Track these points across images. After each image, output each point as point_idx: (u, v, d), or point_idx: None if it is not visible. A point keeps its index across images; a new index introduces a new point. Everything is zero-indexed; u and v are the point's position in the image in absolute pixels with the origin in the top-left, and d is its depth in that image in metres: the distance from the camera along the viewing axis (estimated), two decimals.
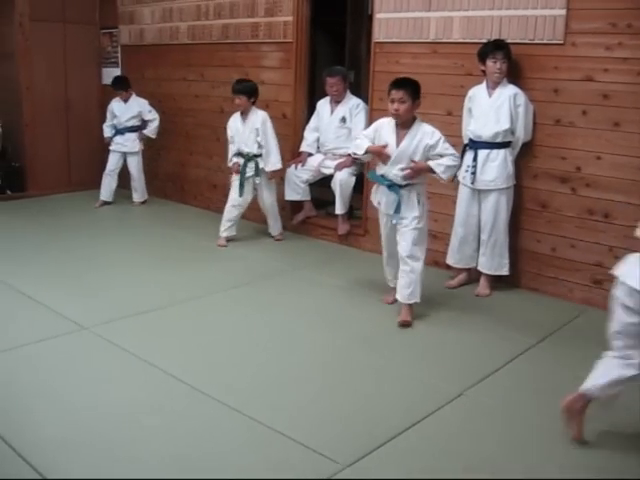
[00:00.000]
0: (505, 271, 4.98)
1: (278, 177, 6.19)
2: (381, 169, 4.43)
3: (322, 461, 2.86)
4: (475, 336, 4.26)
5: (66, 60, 8.18)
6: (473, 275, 5.11)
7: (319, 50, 7.90)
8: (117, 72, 8.13)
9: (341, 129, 6.27)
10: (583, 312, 4.68)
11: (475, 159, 4.83)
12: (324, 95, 6.42)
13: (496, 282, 5.05)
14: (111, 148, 7.56)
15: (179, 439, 3.00)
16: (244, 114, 6.06)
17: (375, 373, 3.73)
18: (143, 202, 7.69)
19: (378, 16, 5.69)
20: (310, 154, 6.42)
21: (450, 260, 5.16)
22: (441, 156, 4.27)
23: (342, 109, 6.26)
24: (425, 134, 4.28)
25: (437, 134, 4.28)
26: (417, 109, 4.35)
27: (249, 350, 3.98)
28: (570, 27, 4.64)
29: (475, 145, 4.85)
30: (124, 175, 7.59)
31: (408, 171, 4.29)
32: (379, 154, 4.38)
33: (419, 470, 2.85)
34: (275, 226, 6.31)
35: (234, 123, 6.14)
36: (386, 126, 4.39)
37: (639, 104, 4.41)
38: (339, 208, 6.13)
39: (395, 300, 4.67)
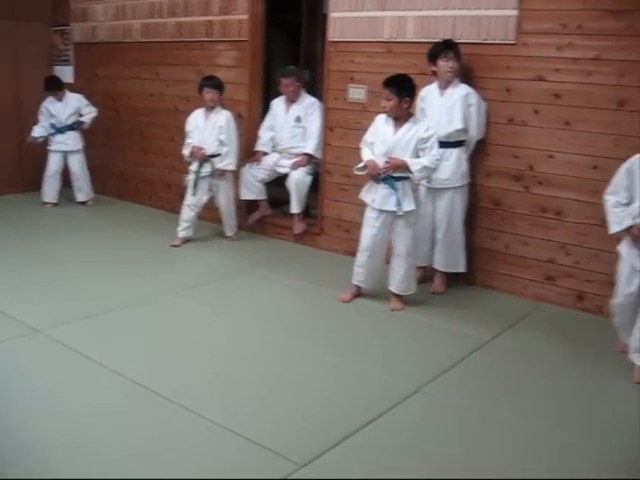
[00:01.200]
0: (461, 268, 5.03)
1: (228, 176, 6.13)
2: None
3: (279, 460, 2.85)
4: (431, 333, 4.30)
5: (16, 58, 8.00)
6: (428, 273, 5.14)
7: (274, 49, 7.88)
8: (69, 70, 8.02)
9: (296, 128, 6.26)
10: (536, 308, 4.75)
11: None
12: (279, 94, 6.40)
13: (451, 280, 5.09)
14: (51, 148, 7.37)
15: (135, 442, 2.96)
16: (208, 111, 6.01)
17: (331, 371, 3.73)
18: (88, 201, 7.55)
19: (333, 15, 5.70)
20: (265, 153, 6.40)
21: None
22: (424, 154, 4.40)
23: (297, 108, 6.26)
24: (420, 128, 4.44)
25: (431, 131, 4.44)
26: (408, 106, 4.44)
27: (205, 350, 3.95)
28: (522, 27, 4.71)
29: None
30: (62, 174, 7.46)
31: (387, 164, 4.40)
32: (373, 169, 4.48)
33: (377, 468, 2.85)
34: (229, 226, 6.27)
35: (195, 120, 6.08)
36: (382, 120, 4.55)
37: (589, 103, 4.50)
38: (295, 207, 6.12)
39: (352, 298, 4.73)
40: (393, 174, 4.45)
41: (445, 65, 4.76)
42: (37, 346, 3.91)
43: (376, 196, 4.53)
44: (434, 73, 4.86)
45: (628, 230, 3.64)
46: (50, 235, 6.37)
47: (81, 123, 7.38)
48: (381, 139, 4.51)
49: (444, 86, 4.84)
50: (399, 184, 4.46)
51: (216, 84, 5.95)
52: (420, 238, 4.94)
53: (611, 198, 3.71)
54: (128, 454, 2.87)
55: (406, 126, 4.45)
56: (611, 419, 3.31)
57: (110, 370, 3.60)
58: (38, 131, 7.35)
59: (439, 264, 5.03)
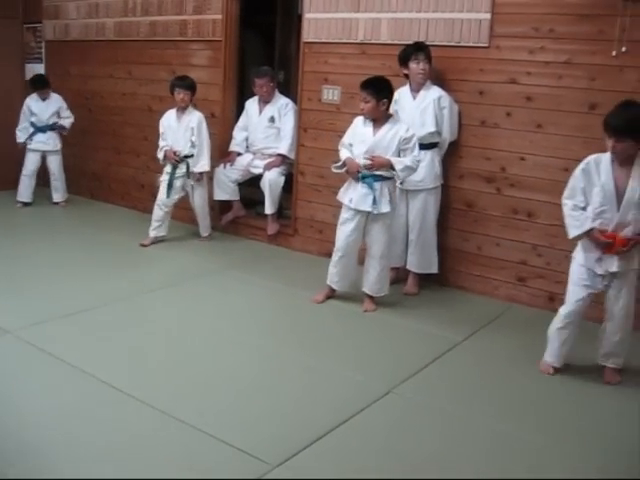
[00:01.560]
0: (434, 270, 5.06)
1: (205, 178, 6.12)
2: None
3: (252, 461, 2.84)
4: (403, 334, 4.32)
5: None
6: (401, 274, 5.16)
7: (249, 49, 7.87)
8: (41, 68, 7.95)
9: (270, 129, 6.26)
10: (508, 309, 4.80)
11: None
12: (253, 94, 6.39)
13: (424, 281, 5.12)
14: (30, 147, 7.30)
15: (108, 445, 2.93)
16: (180, 112, 5.99)
17: (304, 372, 3.73)
18: (64, 201, 7.50)
19: (307, 16, 5.70)
20: (239, 154, 6.39)
21: None
22: (405, 154, 4.45)
23: (271, 109, 6.25)
24: (400, 128, 4.47)
25: (412, 131, 4.48)
26: (385, 107, 4.47)
27: (177, 351, 3.93)
28: (495, 31, 4.75)
29: None
30: (39, 174, 7.39)
31: (369, 162, 4.43)
32: (352, 167, 4.51)
33: (350, 468, 2.86)
34: (204, 226, 6.25)
35: (167, 121, 6.05)
36: (360, 122, 4.57)
37: (560, 106, 4.55)
38: (268, 208, 6.11)
39: (325, 299, 4.75)
40: (374, 173, 4.46)
41: (416, 67, 4.79)
42: (7, 347, 3.87)
43: (353, 196, 4.54)
44: (406, 76, 4.88)
45: (588, 233, 3.57)
46: (21, 235, 6.31)
47: (62, 127, 7.32)
48: (360, 140, 4.52)
49: (416, 89, 4.87)
50: (377, 184, 4.47)
51: (187, 84, 5.92)
52: (394, 239, 4.95)
53: (568, 202, 3.64)
54: (98, 455, 2.84)
55: (386, 127, 4.48)
56: (583, 418, 3.35)
57: (80, 371, 3.57)
58: (22, 136, 7.30)
59: (412, 265, 5.05)
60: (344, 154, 4.58)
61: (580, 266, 3.66)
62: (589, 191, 3.56)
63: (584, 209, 3.59)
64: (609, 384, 3.70)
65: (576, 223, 3.60)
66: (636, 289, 3.68)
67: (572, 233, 3.63)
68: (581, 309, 3.66)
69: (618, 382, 3.72)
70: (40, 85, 7.26)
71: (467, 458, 2.98)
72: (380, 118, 4.48)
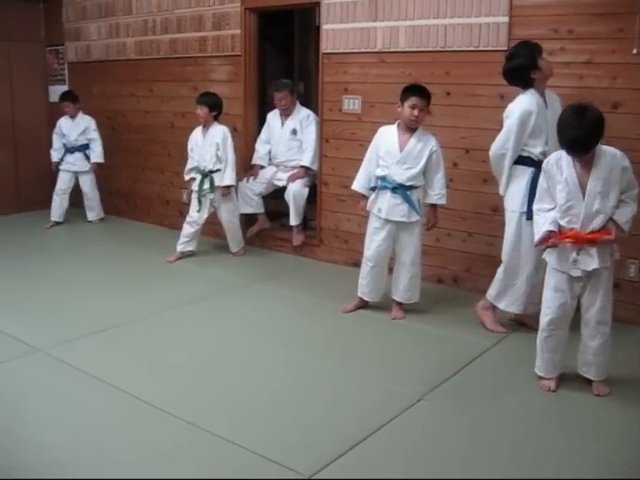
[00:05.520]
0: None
1: (233, 193, 6.15)
2: (384, 170, 4.50)
3: (285, 472, 2.84)
4: (433, 341, 4.31)
5: (11, 78, 8.06)
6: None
7: (268, 62, 7.91)
8: (64, 89, 8.03)
9: (292, 141, 6.28)
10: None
11: None
12: (274, 107, 6.42)
13: (454, 286, 5.08)
14: (61, 167, 7.42)
15: (142, 460, 2.95)
16: (205, 127, 6.03)
17: (334, 381, 3.73)
18: (101, 220, 7.61)
19: (325, 27, 5.73)
20: (262, 167, 6.42)
21: None
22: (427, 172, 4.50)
23: (292, 121, 6.28)
24: (430, 139, 4.47)
25: (438, 143, 4.50)
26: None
27: (207, 365, 3.94)
28: (513, 34, 4.73)
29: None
30: (75, 194, 7.49)
31: (429, 227, 4.63)
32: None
33: (382, 477, 2.85)
34: (233, 242, 6.25)
35: (194, 136, 6.10)
36: (386, 132, 4.55)
37: None
38: (293, 219, 6.13)
39: (355, 309, 4.76)
40: (405, 183, 4.45)
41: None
42: (38, 365, 3.90)
43: (382, 205, 4.52)
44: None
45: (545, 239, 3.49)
46: (50, 253, 6.39)
47: (93, 164, 7.41)
48: (387, 150, 4.50)
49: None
50: (408, 193, 4.47)
51: (204, 100, 5.95)
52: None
53: (535, 206, 3.59)
54: (129, 469, 2.86)
55: (416, 137, 4.46)
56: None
57: (112, 387, 3.60)
58: (56, 155, 7.43)
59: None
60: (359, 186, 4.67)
61: (555, 271, 3.54)
62: (553, 189, 3.46)
63: (551, 210, 3.48)
64: (599, 396, 3.55)
65: (537, 228, 3.55)
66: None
67: (536, 239, 3.57)
68: (564, 314, 3.54)
69: (608, 393, 3.55)
70: (66, 97, 7.35)
71: (501, 464, 2.95)
72: (415, 127, 4.47)
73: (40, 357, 3.99)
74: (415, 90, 4.43)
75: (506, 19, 4.74)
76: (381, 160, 4.52)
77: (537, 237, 3.54)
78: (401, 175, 4.44)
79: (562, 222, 3.45)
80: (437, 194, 4.51)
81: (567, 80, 4.54)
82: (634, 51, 4.28)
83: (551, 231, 3.46)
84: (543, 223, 3.49)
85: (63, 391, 3.60)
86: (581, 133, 3.21)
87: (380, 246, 4.59)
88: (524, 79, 4.13)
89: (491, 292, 4.38)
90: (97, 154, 7.38)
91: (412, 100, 4.38)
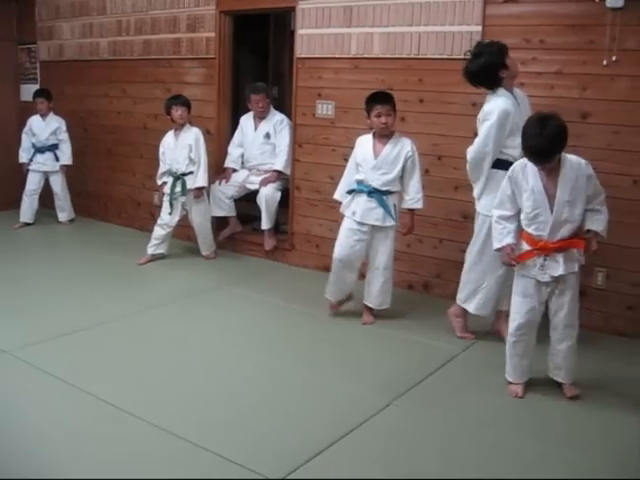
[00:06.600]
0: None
1: (205, 196, 6.13)
2: (361, 175, 4.52)
3: (252, 476, 2.83)
4: (403, 346, 4.33)
5: None
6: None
7: (242, 66, 7.89)
8: (36, 88, 7.94)
9: (265, 145, 6.28)
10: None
11: None
12: (247, 110, 6.42)
13: (425, 292, 5.11)
14: (31, 168, 7.33)
15: (108, 463, 2.92)
16: (178, 130, 6.01)
17: (303, 387, 3.73)
18: (71, 221, 7.53)
19: (300, 32, 5.74)
20: (235, 170, 6.41)
21: None
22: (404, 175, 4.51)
23: (266, 125, 6.28)
24: (405, 144, 4.49)
25: (414, 148, 4.50)
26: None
27: (175, 368, 3.92)
28: None
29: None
30: (45, 194, 7.40)
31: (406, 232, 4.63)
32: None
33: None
34: (205, 245, 6.23)
35: (166, 140, 6.08)
36: (363, 141, 4.59)
37: None
38: (265, 223, 6.12)
39: (334, 311, 4.80)
40: (381, 188, 4.47)
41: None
42: (4, 367, 3.85)
43: (357, 209, 4.54)
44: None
45: (504, 249, 3.59)
46: (18, 254, 6.29)
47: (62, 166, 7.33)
48: (363, 158, 4.53)
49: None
50: (384, 198, 4.48)
51: (184, 101, 5.96)
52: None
53: (495, 212, 3.64)
54: (98, 473, 2.83)
55: (391, 143, 4.49)
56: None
57: (78, 389, 3.56)
58: (24, 156, 7.33)
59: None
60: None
61: (522, 276, 3.57)
62: (519, 197, 3.51)
63: (511, 218, 3.57)
64: (571, 398, 3.60)
65: (498, 237, 3.61)
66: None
67: (494, 245, 3.66)
68: (533, 318, 3.57)
69: (578, 395, 3.60)
70: (41, 93, 7.28)
71: (470, 470, 2.97)
72: (388, 133, 4.49)
73: (7, 359, 3.94)
74: (376, 99, 4.47)
75: (479, 28, 4.79)
76: (359, 167, 4.54)
77: (497, 246, 3.63)
78: (377, 180, 4.46)
79: (529, 230, 3.49)
80: (412, 198, 4.52)
81: (538, 90, 4.60)
82: (604, 62, 4.34)
83: (512, 244, 3.55)
84: (506, 234, 3.57)
85: (30, 393, 3.55)
86: (543, 141, 3.24)
87: (353, 247, 4.58)
88: (492, 78, 4.07)
89: (460, 296, 4.40)
90: (66, 157, 7.31)
91: (376, 109, 4.41)
